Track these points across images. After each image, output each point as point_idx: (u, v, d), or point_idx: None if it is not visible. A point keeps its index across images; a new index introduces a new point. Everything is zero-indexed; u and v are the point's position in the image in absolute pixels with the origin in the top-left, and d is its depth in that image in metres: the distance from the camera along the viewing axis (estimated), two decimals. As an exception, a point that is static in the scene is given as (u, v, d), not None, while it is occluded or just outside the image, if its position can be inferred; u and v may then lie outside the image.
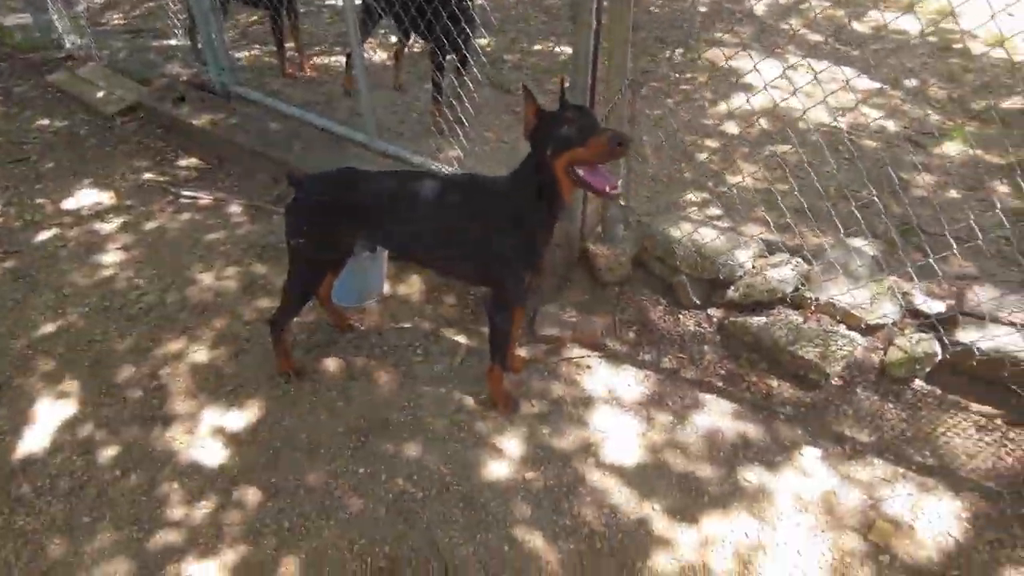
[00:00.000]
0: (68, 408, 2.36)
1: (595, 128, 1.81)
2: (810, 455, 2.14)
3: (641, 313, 2.69)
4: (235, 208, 3.46)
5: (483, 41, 4.98)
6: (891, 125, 3.84)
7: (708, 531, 1.95)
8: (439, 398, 2.39)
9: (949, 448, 2.11)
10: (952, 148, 3.57)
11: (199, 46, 4.80)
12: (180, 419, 2.31)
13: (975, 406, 2.20)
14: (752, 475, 2.10)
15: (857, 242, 2.64)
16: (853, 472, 2.08)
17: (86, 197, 3.61)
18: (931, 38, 4.82)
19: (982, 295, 2.22)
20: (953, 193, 3.24)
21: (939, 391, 2.25)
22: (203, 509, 2.02)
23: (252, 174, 3.71)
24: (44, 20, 5.55)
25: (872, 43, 4.87)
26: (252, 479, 2.11)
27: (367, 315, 2.76)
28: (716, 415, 2.29)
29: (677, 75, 4.49)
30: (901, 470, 2.07)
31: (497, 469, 2.14)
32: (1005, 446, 2.09)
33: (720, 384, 2.41)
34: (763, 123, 3.79)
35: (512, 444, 2.22)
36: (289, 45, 4.58)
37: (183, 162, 3.93)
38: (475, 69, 3.42)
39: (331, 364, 2.53)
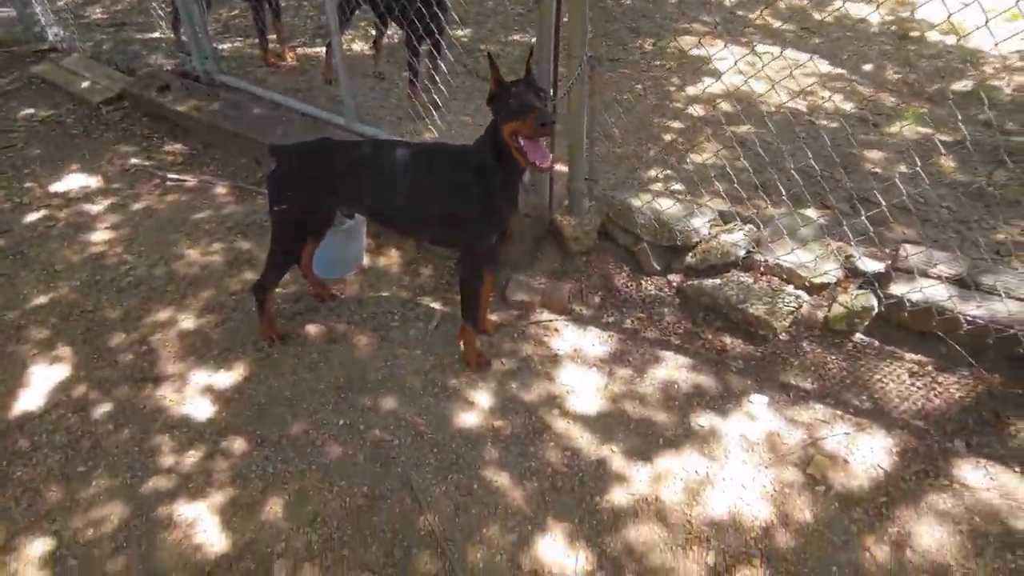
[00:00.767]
0: (62, 371, 2.49)
1: (533, 106, 1.96)
2: (758, 402, 2.32)
3: (606, 280, 2.86)
4: (220, 190, 3.59)
5: (460, 32, 5.13)
6: (848, 107, 4.04)
7: (661, 469, 2.12)
8: (415, 359, 2.54)
9: (884, 392, 2.30)
10: (905, 128, 3.77)
11: (182, 38, 4.91)
12: (170, 380, 2.45)
13: (908, 355, 2.38)
14: (704, 420, 2.27)
15: (807, 213, 2.82)
16: (796, 415, 2.26)
17: (74, 181, 3.72)
18: (892, 27, 5.04)
19: (913, 253, 2.41)
20: (903, 168, 3.44)
21: (876, 343, 2.43)
22: (193, 458, 2.16)
23: (235, 158, 3.83)
24: (28, 13, 5.62)
25: (834, 32, 5.08)
26: (238, 431, 2.25)
27: (347, 285, 2.90)
28: (673, 369, 2.47)
29: (647, 63, 4.67)
30: (839, 413, 2.25)
31: (468, 419, 2.29)
32: (934, 389, 2.28)
33: (678, 342, 2.58)
34: (726, 106, 3.97)
35: (483, 397, 2.38)
36: (271, 37, 4.71)
37: (168, 148, 4.05)
38: (449, 54, 3.57)
39: (312, 330, 2.68)
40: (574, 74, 2.50)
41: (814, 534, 1.92)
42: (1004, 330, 2.15)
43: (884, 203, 2.51)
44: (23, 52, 5.54)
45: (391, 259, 3.07)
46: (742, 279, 2.59)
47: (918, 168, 3.14)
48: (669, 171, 3.41)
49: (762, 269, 2.61)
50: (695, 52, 4.23)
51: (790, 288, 2.54)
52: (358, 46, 5.01)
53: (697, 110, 4.01)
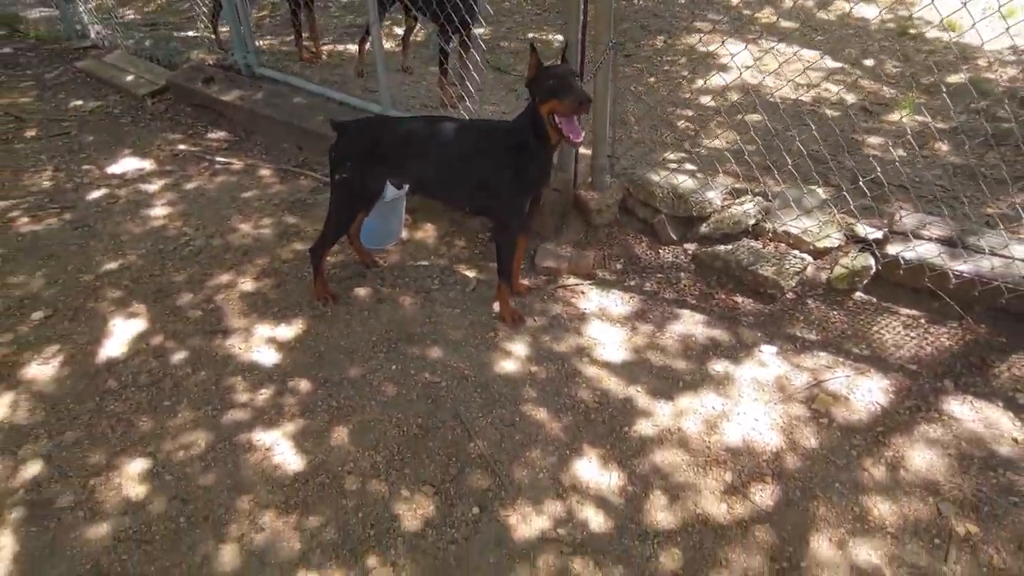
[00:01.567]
0: (139, 325, 2.76)
1: (571, 87, 2.24)
2: (767, 351, 2.57)
3: (627, 249, 3.12)
4: (265, 171, 3.87)
5: (481, 30, 5.42)
6: (850, 98, 4.30)
7: (682, 406, 2.38)
8: (455, 316, 2.80)
9: (881, 342, 2.56)
10: (903, 116, 4.04)
11: (219, 35, 5.22)
12: (236, 332, 2.72)
13: (903, 310, 2.64)
14: (719, 367, 2.53)
15: (812, 188, 3.08)
16: (801, 362, 2.52)
17: (128, 164, 4.01)
18: (891, 25, 5.31)
19: (908, 218, 2.66)
20: (901, 152, 3.70)
21: (875, 300, 2.69)
22: (264, 395, 2.43)
23: (278, 143, 4.12)
24: (71, 12, 5.94)
25: (836, 30, 5.35)
26: (302, 374, 2.52)
27: (388, 256, 3.17)
28: (690, 324, 2.72)
29: (659, 58, 4.95)
30: (841, 359, 2.51)
31: (507, 366, 2.55)
32: (926, 339, 2.53)
33: (693, 301, 2.84)
34: (735, 96, 4.24)
35: (519, 348, 2.64)
36: (305, 34, 5.00)
37: (212, 135, 4.34)
38: (479, 48, 3.85)
39: (361, 292, 2.94)
40: (599, 59, 2.77)
41: (819, 457, 2.17)
42: (989, 283, 2.40)
43: (883, 181, 2.76)
44: (64, 49, 5.87)
45: (427, 232, 3.34)
46: (752, 245, 2.86)
47: (917, 153, 3.40)
48: (683, 153, 3.68)
49: (770, 236, 2.87)
50: (704, 48, 4.50)
51: (796, 252, 2.80)
52: (387, 44, 5.30)
53: (708, 100, 4.28)
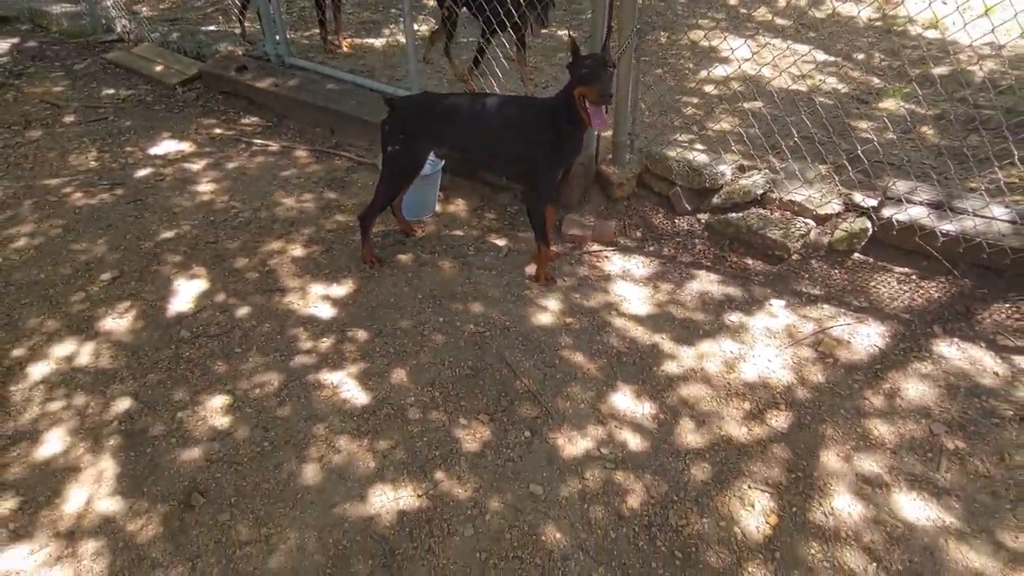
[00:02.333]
0: (202, 285, 3.01)
1: (599, 78, 2.51)
2: (776, 304, 2.86)
3: (645, 219, 3.41)
4: (300, 153, 4.12)
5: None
6: (843, 88, 4.62)
7: (703, 350, 2.66)
8: (492, 277, 3.07)
9: (877, 295, 2.85)
10: (892, 104, 4.36)
11: (245, 28, 5.46)
12: (293, 290, 2.97)
13: (897, 268, 2.94)
14: (734, 318, 2.81)
15: (813, 164, 3.38)
16: (807, 313, 2.81)
17: (168, 146, 4.24)
18: (879, 23, 5.66)
19: (899, 184, 2.97)
20: (891, 135, 4.02)
21: (871, 259, 2.99)
22: (326, 343, 2.68)
23: (310, 127, 4.37)
24: (99, 6, 6.15)
25: (827, 27, 5.69)
26: (358, 325, 2.77)
27: (425, 227, 3.43)
28: (706, 283, 3.01)
29: (664, 52, 5.25)
30: (842, 310, 2.80)
31: (543, 318, 2.82)
32: (917, 292, 2.84)
33: (708, 264, 3.13)
34: (736, 86, 4.55)
35: (552, 303, 2.91)
36: (330, 27, 5.26)
37: (246, 120, 4.58)
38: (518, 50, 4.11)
39: (403, 257, 3.20)
40: (623, 43, 3.05)
41: (825, 390, 2.46)
42: (972, 239, 2.71)
43: (879, 158, 3.06)
44: (91, 43, 6.07)
45: (459, 207, 3.60)
46: (761, 212, 3.15)
47: (905, 136, 3.72)
48: (692, 135, 3.98)
49: (777, 204, 3.17)
50: (706, 43, 4.81)
51: (800, 218, 3.10)
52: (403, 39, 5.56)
53: (712, 89, 4.59)
